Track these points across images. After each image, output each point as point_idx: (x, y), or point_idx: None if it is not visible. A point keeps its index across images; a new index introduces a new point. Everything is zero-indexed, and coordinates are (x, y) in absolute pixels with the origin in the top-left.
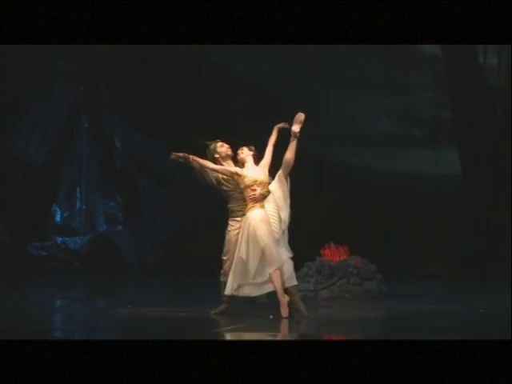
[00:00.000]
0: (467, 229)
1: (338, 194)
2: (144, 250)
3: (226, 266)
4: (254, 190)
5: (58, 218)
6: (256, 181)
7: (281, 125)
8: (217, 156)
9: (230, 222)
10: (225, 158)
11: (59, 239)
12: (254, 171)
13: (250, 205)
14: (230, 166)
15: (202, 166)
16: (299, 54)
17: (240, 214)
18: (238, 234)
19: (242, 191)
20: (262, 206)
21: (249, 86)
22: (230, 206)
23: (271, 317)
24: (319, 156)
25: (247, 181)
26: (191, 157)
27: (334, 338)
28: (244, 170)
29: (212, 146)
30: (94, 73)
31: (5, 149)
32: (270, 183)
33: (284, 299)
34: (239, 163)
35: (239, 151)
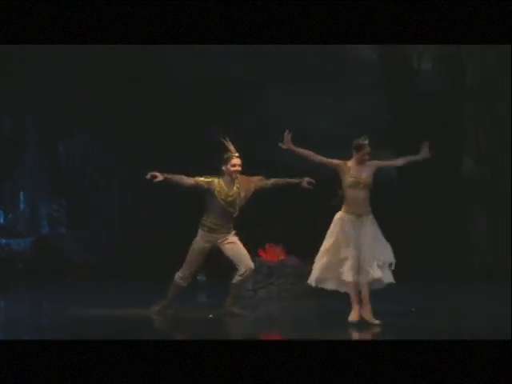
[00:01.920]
0: (405, 226)
1: (276, 196)
2: (86, 252)
3: (185, 273)
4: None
5: (1, 220)
6: None
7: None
8: (233, 169)
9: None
10: (237, 172)
11: (3, 241)
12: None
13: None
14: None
15: (178, 182)
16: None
17: (206, 229)
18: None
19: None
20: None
21: (193, 86)
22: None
23: (211, 316)
24: (256, 157)
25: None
26: (166, 176)
27: (273, 337)
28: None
29: (226, 156)
30: (42, 74)
31: None
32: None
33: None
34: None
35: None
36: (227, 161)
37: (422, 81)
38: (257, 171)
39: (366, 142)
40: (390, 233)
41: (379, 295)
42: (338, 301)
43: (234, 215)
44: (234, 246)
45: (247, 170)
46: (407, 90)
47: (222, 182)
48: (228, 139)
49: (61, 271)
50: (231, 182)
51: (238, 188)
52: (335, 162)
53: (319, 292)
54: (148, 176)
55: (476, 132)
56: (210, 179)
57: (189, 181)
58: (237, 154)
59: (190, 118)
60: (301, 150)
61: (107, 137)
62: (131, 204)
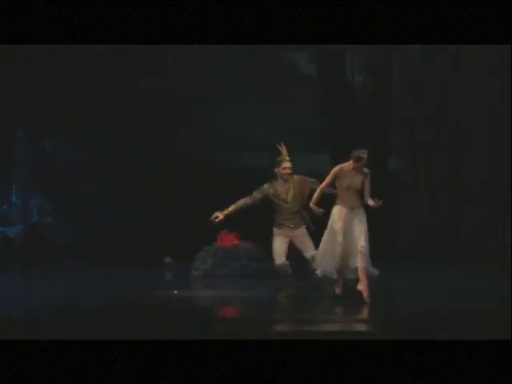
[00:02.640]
0: None
1: (229, 192)
2: (71, 238)
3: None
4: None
5: None
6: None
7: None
8: (283, 172)
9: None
10: (287, 174)
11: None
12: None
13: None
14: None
15: (241, 208)
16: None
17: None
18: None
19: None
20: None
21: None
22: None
23: (175, 292)
24: (210, 158)
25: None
26: (226, 213)
27: (228, 312)
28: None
29: (278, 159)
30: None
31: None
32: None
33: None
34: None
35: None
36: (279, 164)
37: (355, 91)
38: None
39: (365, 155)
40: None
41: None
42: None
43: (295, 210)
44: (297, 239)
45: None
46: (342, 100)
47: (275, 184)
48: (282, 145)
49: (49, 254)
50: (284, 182)
51: (291, 187)
52: (334, 172)
53: (269, 272)
54: (212, 218)
55: (401, 135)
56: (261, 188)
57: (248, 201)
58: (288, 158)
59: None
60: (316, 197)
61: (87, 137)
62: (113, 194)
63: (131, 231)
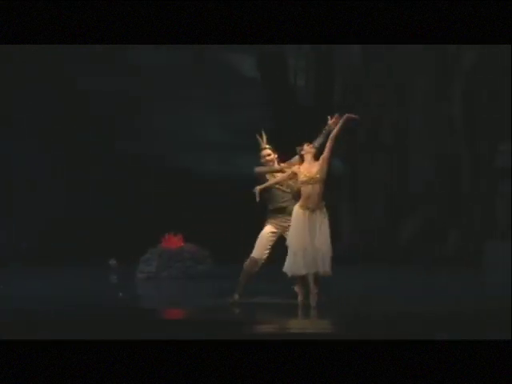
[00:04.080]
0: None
1: (179, 193)
2: (18, 241)
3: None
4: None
5: None
6: (311, 178)
7: (351, 116)
8: (263, 161)
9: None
10: (268, 161)
11: None
12: (308, 168)
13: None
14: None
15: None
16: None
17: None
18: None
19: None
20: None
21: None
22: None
23: (120, 294)
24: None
25: (301, 178)
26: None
27: (173, 313)
28: (301, 167)
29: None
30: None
31: None
32: (323, 179)
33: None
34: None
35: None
36: (261, 153)
37: (298, 95)
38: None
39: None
40: None
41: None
42: (232, 281)
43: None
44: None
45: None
46: (287, 102)
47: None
48: (263, 133)
49: None
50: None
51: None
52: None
53: (213, 273)
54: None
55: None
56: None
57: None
58: (266, 146)
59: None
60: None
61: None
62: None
63: (76, 233)
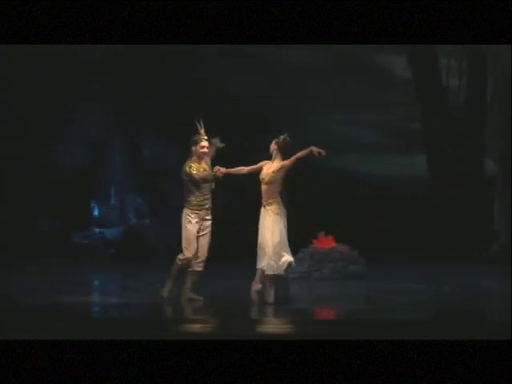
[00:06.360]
0: (436, 219)
1: (329, 196)
2: (167, 239)
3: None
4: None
5: (96, 213)
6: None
7: (317, 150)
8: (198, 152)
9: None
10: (202, 154)
11: (97, 230)
12: (268, 167)
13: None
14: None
15: (236, 173)
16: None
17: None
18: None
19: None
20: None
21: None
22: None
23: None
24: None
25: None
26: (226, 171)
27: (326, 312)
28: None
29: (196, 138)
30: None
31: (49, 154)
32: (272, 182)
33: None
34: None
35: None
36: (196, 142)
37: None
38: None
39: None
40: None
41: None
42: (386, 282)
43: (209, 192)
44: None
45: None
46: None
47: (191, 162)
48: (202, 122)
49: (145, 255)
50: (200, 161)
51: (208, 168)
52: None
53: (366, 274)
54: (219, 173)
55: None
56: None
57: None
58: (206, 137)
59: None
60: (233, 170)
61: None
62: None
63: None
